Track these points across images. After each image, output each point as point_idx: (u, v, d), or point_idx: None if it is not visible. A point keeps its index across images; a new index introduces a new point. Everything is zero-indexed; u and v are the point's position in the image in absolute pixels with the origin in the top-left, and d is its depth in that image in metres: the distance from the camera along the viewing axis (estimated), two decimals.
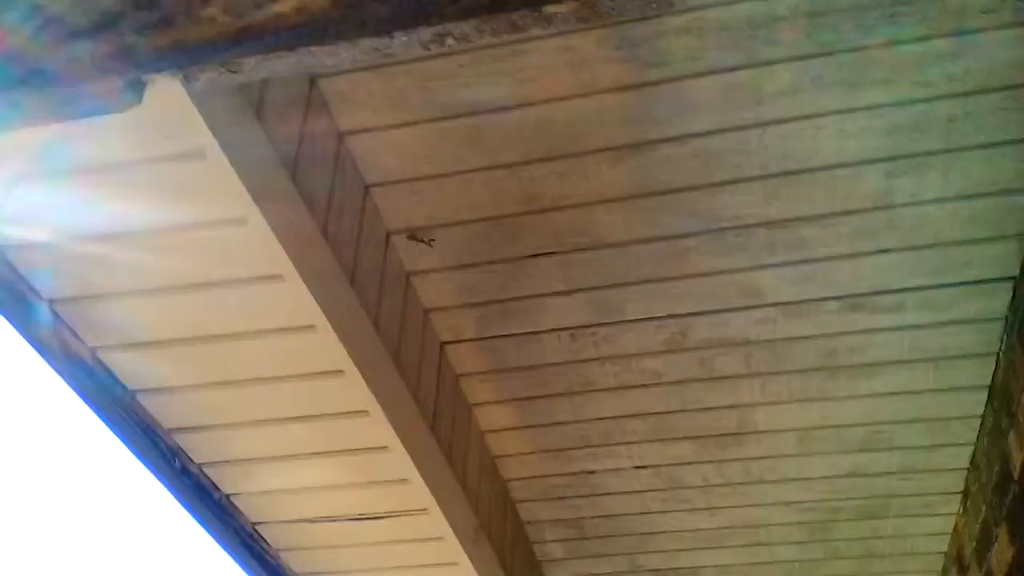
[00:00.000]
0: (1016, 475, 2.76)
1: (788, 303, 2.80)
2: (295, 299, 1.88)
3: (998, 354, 2.86)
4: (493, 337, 2.89)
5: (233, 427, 2.33)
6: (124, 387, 2.18)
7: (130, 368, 2.16)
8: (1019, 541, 2.76)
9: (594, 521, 3.79)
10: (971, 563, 3.38)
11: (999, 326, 2.78)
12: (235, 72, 0.80)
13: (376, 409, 2.17)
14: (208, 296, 1.96)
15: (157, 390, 2.23)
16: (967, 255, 2.58)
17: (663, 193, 2.45)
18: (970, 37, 2.06)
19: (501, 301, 2.76)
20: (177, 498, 2.38)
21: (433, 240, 2.53)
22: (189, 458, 2.40)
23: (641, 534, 3.87)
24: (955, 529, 3.58)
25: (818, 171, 2.39)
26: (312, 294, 1.87)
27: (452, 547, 2.70)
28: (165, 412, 2.29)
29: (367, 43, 0.79)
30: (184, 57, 0.76)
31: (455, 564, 2.81)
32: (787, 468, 3.50)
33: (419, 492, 2.48)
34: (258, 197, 1.67)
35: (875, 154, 2.33)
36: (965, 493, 3.42)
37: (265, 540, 2.72)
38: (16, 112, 0.82)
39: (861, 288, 2.73)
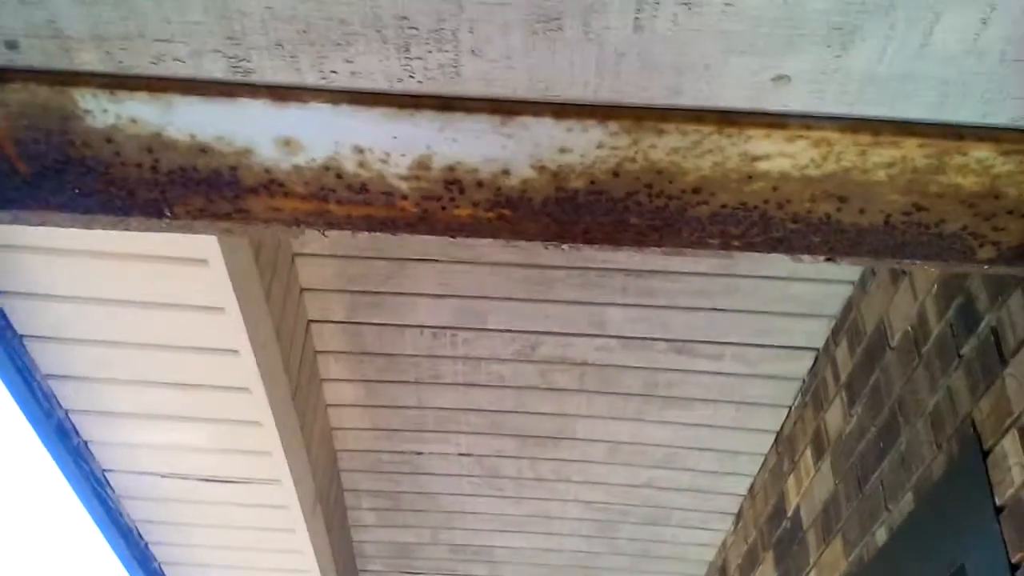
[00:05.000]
0: (790, 512, 3.24)
1: (626, 337, 3.14)
2: (214, 282, 1.99)
3: (790, 408, 3.33)
4: (360, 323, 3.07)
5: (113, 383, 2.40)
6: (14, 330, 2.21)
7: (26, 315, 2.19)
8: (782, 569, 3.26)
9: (410, 496, 4.05)
10: None
11: (796, 385, 3.24)
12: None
13: (259, 389, 2.31)
14: (127, 265, 2.03)
15: (47, 338, 2.27)
16: (785, 325, 3.00)
17: None
18: None
19: (376, 293, 2.94)
20: (40, 437, 2.42)
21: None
22: (58, 403, 2.44)
23: (450, 512, 4.17)
24: (723, 544, 4.10)
25: None
26: (230, 278, 1.98)
27: (294, 516, 2.87)
28: (47, 359, 2.33)
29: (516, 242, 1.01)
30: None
31: (292, 531, 2.98)
32: (592, 472, 3.89)
33: (277, 464, 2.64)
34: None
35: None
36: (738, 516, 3.92)
37: (111, 486, 2.79)
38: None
39: (690, 335, 3.11)
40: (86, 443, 2.61)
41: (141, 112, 0.87)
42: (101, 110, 0.86)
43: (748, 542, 3.72)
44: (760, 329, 3.04)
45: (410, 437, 3.66)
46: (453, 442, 3.69)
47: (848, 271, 2.78)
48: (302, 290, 2.91)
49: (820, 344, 3.06)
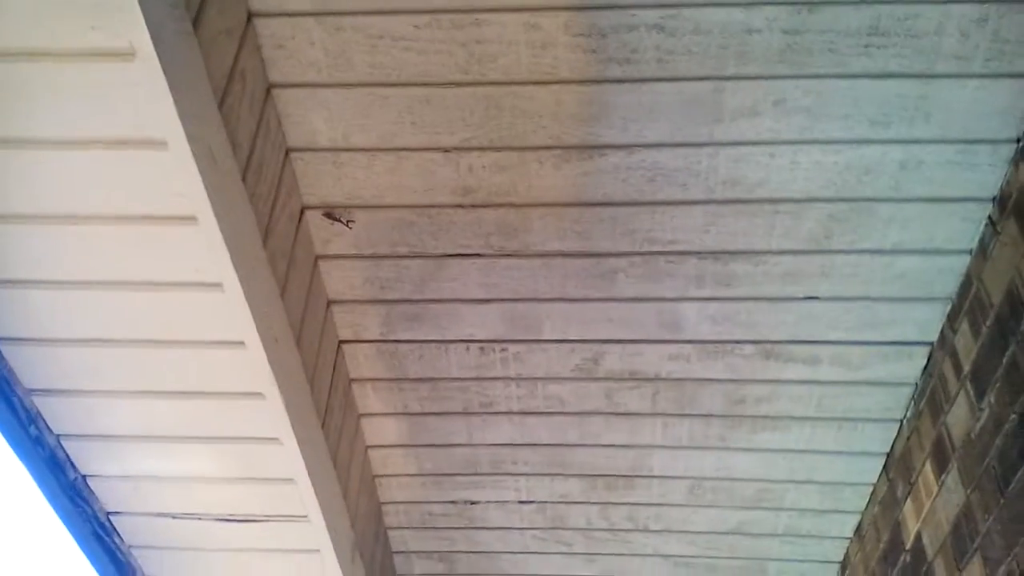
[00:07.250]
0: (909, 544, 2.72)
1: (704, 342, 2.71)
2: (206, 247, 1.64)
3: (901, 421, 2.84)
4: (396, 341, 2.69)
5: (105, 395, 2.02)
6: None
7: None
8: None
9: (467, 556, 3.58)
10: None
11: (907, 392, 2.76)
12: None
13: (274, 392, 1.92)
14: (107, 232, 1.67)
15: (24, 340, 1.90)
16: (891, 313, 2.55)
17: (603, 205, 2.33)
18: (937, 82, 2.03)
19: (413, 301, 2.57)
20: (30, 471, 2.05)
21: (352, 222, 2.32)
22: (47, 426, 2.07)
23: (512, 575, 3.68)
24: None
25: (763, 203, 2.31)
26: (225, 243, 1.63)
27: (329, 563, 2.44)
28: (28, 368, 1.96)
29: None
30: None
31: None
32: (672, 518, 3.39)
33: (303, 495, 2.22)
34: (184, 115, 1.44)
35: (822, 192, 2.28)
36: (844, 564, 3.38)
37: (118, 533, 2.39)
38: None
39: (779, 335, 2.67)
40: (84, 478, 2.22)
41: None
42: None
43: None
44: (862, 321, 2.59)
45: (462, 483, 3.21)
46: (511, 487, 3.24)
47: (962, 237, 2.35)
48: (330, 302, 2.55)
49: (934, 337, 2.60)
